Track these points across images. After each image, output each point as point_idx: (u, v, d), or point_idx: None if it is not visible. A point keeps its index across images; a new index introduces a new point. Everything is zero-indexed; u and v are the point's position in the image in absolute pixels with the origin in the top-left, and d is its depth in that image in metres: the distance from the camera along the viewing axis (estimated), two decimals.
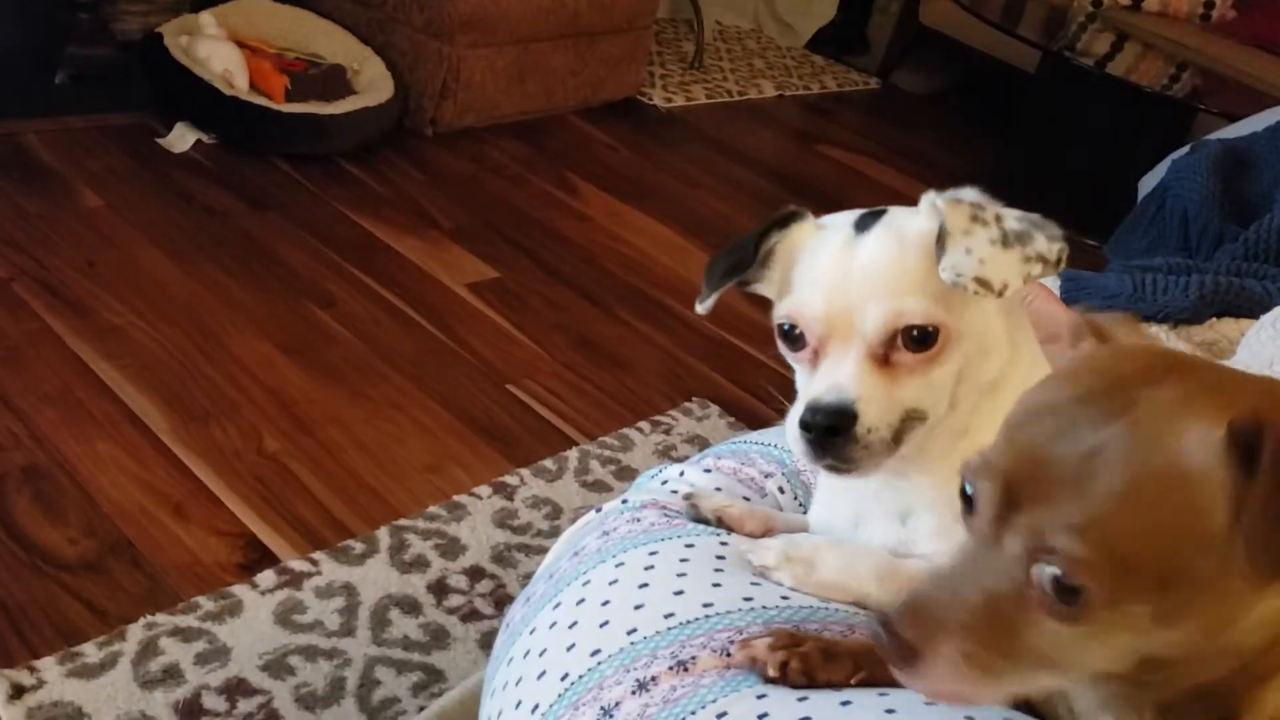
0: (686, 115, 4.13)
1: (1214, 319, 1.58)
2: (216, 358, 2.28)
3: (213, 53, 3.03)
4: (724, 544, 0.93)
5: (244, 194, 2.88)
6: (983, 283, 0.86)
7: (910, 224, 0.91)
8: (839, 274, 0.90)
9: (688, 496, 1.00)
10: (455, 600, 1.85)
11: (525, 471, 2.17)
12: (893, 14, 5.00)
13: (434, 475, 2.11)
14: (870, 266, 0.90)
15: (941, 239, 0.87)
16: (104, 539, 1.81)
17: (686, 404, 2.50)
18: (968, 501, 0.67)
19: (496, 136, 3.51)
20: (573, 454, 2.25)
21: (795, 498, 1.08)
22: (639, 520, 0.96)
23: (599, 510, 1.03)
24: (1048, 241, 0.89)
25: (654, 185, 3.53)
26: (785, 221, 0.95)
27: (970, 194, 0.92)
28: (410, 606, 1.82)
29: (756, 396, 2.61)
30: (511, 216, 3.12)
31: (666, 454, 2.33)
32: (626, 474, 2.23)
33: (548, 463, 2.20)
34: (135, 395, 2.12)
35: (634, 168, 3.62)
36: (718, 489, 1.05)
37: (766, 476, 1.08)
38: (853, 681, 0.78)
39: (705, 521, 0.98)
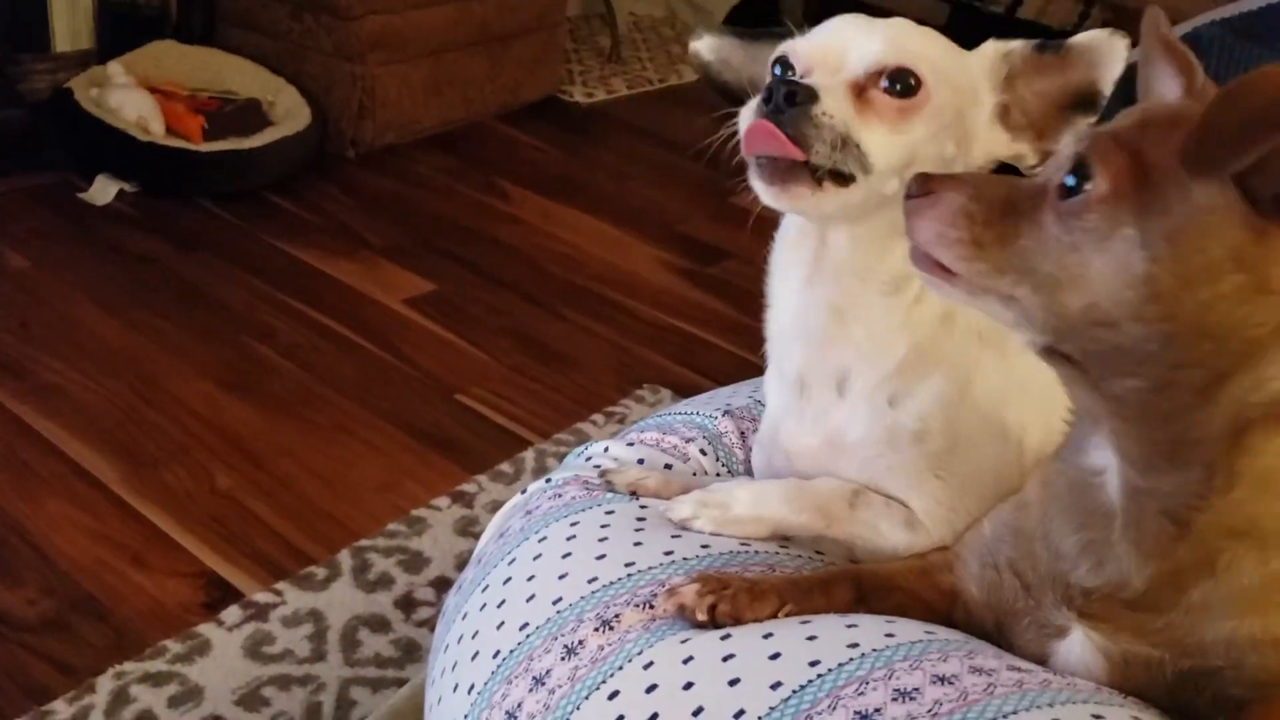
0: (609, 109, 4.13)
1: None
2: (160, 403, 2.27)
3: (125, 101, 3.01)
4: (644, 507, 0.96)
5: (172, 238, 2.86)
6: None
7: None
8: (847, 22, 0.94)
9: (603, 474, 1.02)
10: (424, 613, 1.85)
11: (482, 478, 2.18)
12: None
13: (390, 493, 2.12)
14: (882, 23, 0.94)
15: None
16: (63, 596, 1.80)
17: (638, 392, 2.52)
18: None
19: (420, 150, 3.50)
20: (529, 455, 2.26)
21: (718, 459, 1.10)
22: (560, 496, 0.98)
23: (524, 492, 1.05)
24: None
25: (584, 181, 3.54)
26: (786, 34, 0.98)
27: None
28: (379, 624, 1.83)
29: (707, 377, 2.63)
30: (443, 228, 3.12)
31: None
32: None
33: (504, 466, 2.21)
34: (81, 450, 2.11)
35: (562, 166, 3.63)
36: (641, 460, 1.07)
37: (688, 442, 1.10)
38: (780, 615, 0.80)
39: None
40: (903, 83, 0.89)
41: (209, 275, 2.73)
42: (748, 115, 0.90)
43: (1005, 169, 0.97)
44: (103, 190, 2.98)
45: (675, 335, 2.77)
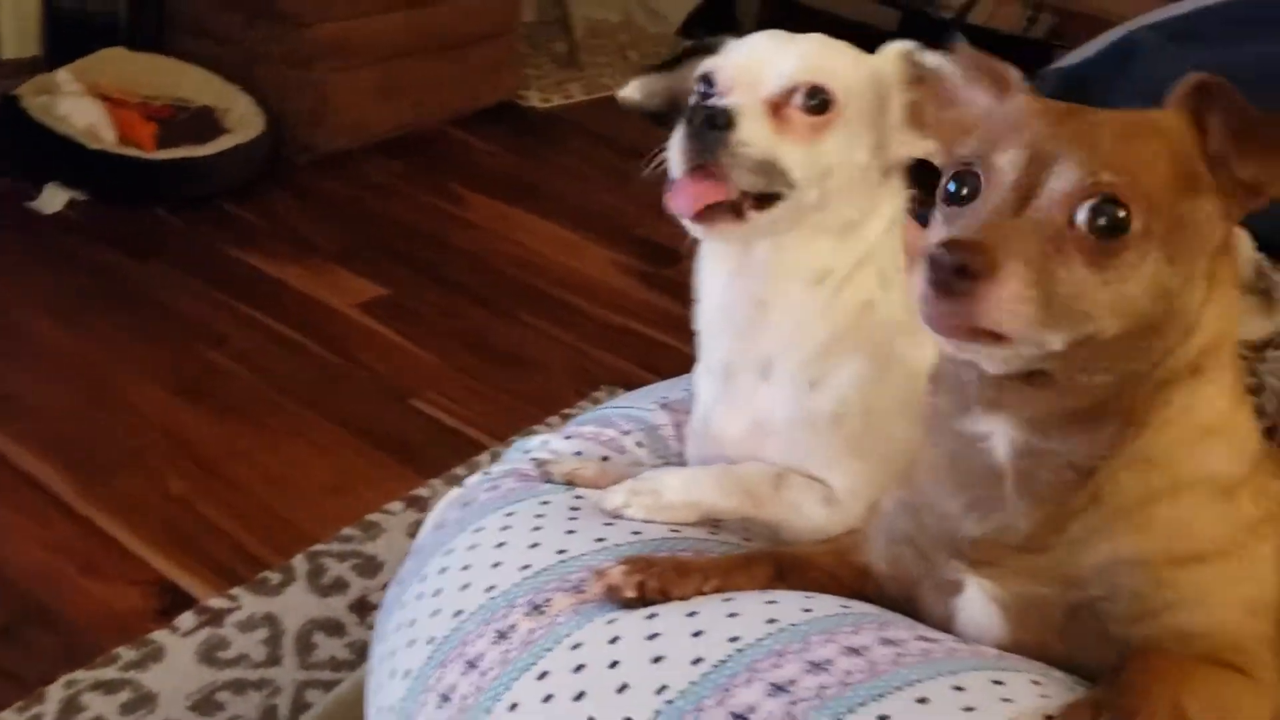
0: (566, 113, 4.15)
1: None
2: (113, 410, 2.27)
3: (74, 109, 3.00)
4: (578, 498, 0.99)
5: (124, 247, 2.85)
6: None
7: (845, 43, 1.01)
8: (766, 41, 0.99)
9: (540, 464, 1.05)
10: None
11: (437, 482, 2.18)
12: None
13: (344, 497, 2.12)
14: (798, 39, 0.98)
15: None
16: (12, 607, 1.79)
17: (595, 394, 2.53)
18: (968, 195, 0.74)
19: (374, 156, 3.51)
20: (484, 458, 2.27)
21: (654, 450, 1.13)
22: (497, 488, 1.01)
23: (463, 486, 1.07)
24: None
25: (540, 185, 3.55)
26: (714, 47, 1.02)
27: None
28: (334, 628, 1.83)
29: (664, 378, 2.64)
30: (397, 233, 3.13)
31: None
32: None
33: (460, 470, 2.22)
34: (32, 460, 2.10)
35: (518, 170, 3.64)
36: (578, 453, 1.10)
37: (625, 434, 1.12)
38: (705, 590, 0.83)
39: None
40: (817, 99, 0.95)
41: (161, 283, 2.72)
42: (674, 144, 0.94)
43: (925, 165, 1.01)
44: (52, 199, 2.96)
45: (632, 337, 2.79)
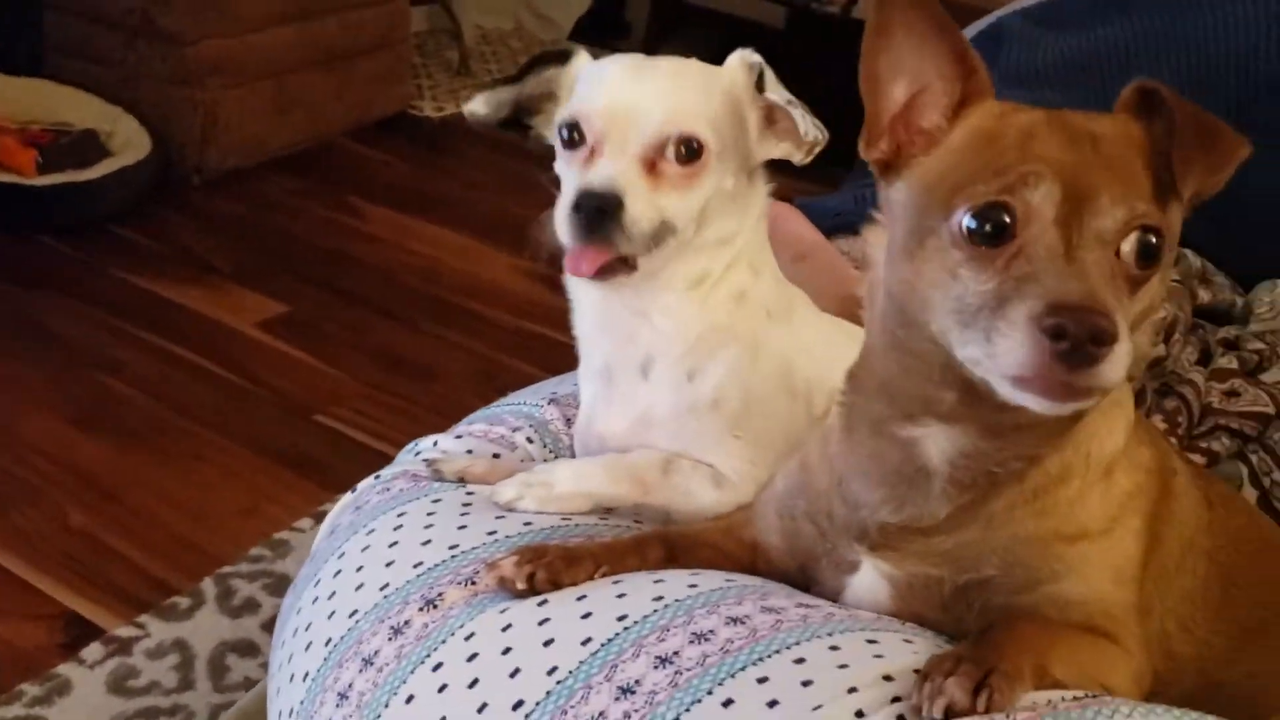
0: (461, 121, 4.11)
1: None
2: (7, 445, 2.21)
3: None
4: (470, 494, 1.00)
5: (10, 276, 2.77)
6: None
7: (701, 63, 1.03)
8: (627, 80, 1.01)
9: (430, 463, 1.06)
10: None
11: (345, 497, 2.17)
12: None
13: (252, 518, 2.10)
14: (658, 78, 1.00)
15: (762, 83, 1.00)
16: None
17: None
18: (995, 233, 0.71)
19: (267, 172, 3.46)
20: None
21: (545, 445, 1.15)
22: (388, 490, 1.02)
23: (354, 490, 1.08)
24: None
25: (438, 194, 3.54)
26: (563, 56, 1.03)
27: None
28: (247, 649, 1.82)
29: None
30: (295, 249, 3.10)
31: None
32: None
33: None
34: None
35: (415, 180, 3.63)
36: (469, 451, 1.11)
37: (515, 431, 1.14)
38: (595, 576, 0.85)
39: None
40: (688, 148, 0.98)
41: (52, 311, 2.66)
42: (561, 220, 0.98)
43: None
44: None
45: (538, 341, 2.80)
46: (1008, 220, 0.71)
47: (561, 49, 1.07)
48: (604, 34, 5.18)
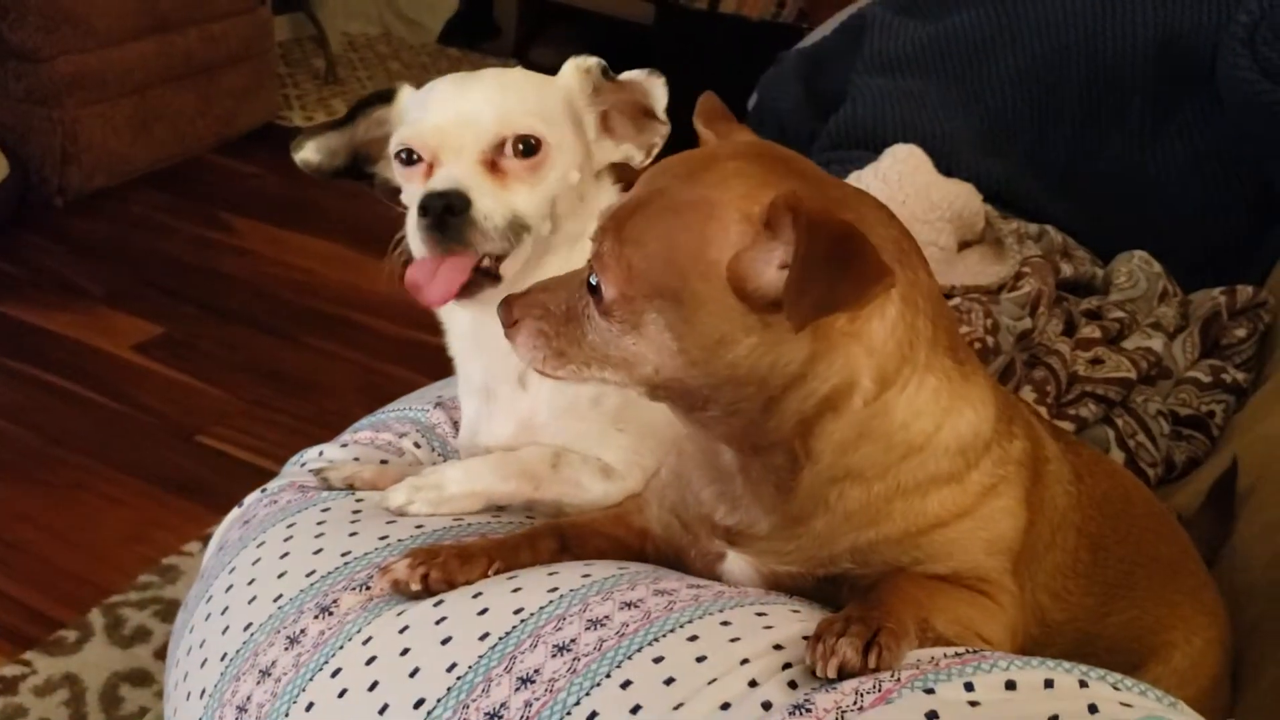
0: None
1: None
2: None
3: None
4: (359, 501, 1.00)
5: None
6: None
7: (528, 70, 1.06)
8: (453, 94, 1.02)
9: (317, 471, 1.06)
10: None
11: None
12: None
13: (138, 544, 2.05)
14: (485, 87, 1.02)
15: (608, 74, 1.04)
16: None
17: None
18: None
19: (134, 191, 3.37)
20: None
21: (432, 448, 1.15)
22: (276, 502, 1.01)
23: (241, 505, 1.07)
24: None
25: (312, 205, 3.49)
26: (387, 95, 1.03)
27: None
28: (140, 678, 1.78)
29: None
30: (166, 268, 3.02)
31: None
32: None
33: None
34: None
35: (287, 192, 3.56)
36: (356, 459, 1.11)
37: (401, 436, 1.14)
38: (489, 573, 0.86)
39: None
40: (525, 145, 1.01)
41: None
42: (412, 233, 1.00)
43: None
44: None
45: (423, 349, 2.75)
46: None
47: (385, 90, 1.08)
48: (473, 37, 5.16)
